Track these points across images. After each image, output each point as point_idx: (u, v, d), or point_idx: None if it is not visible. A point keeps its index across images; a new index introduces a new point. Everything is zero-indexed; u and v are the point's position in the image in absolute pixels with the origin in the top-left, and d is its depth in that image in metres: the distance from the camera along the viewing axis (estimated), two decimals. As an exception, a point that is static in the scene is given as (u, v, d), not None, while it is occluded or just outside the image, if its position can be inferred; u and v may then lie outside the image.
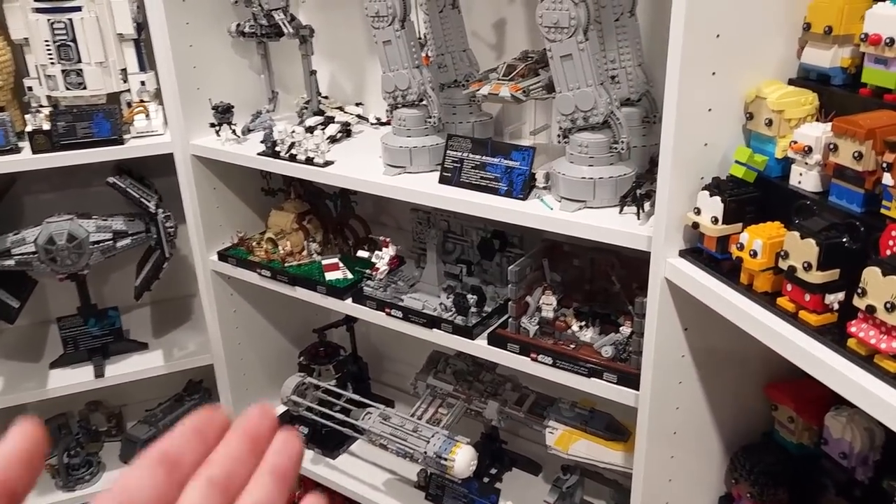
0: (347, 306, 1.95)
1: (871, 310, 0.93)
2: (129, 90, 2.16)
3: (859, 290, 0.95)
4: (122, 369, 2.33)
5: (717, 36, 1.18)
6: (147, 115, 2.12)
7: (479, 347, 1.69)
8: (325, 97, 2.23)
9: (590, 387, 1.53)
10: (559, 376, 1.56)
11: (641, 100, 1.61)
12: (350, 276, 2.00)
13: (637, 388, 1.44)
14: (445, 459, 1.79)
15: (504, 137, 1.86)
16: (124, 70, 2.14)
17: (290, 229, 2.14)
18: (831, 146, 1.08)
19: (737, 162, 1.25)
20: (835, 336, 1.01)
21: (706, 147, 1.26)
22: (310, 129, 1.97)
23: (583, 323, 1.61)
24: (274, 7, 1.98)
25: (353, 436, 2.11)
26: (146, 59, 2.16)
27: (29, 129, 2.01)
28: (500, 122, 1.93)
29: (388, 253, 1.87)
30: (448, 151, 1.65)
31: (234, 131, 2.04)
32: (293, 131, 1.92)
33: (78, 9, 2.00)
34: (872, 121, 1.03)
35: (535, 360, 1.59)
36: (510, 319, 1.65)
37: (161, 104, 2.13)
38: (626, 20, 1.54)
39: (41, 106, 2.09)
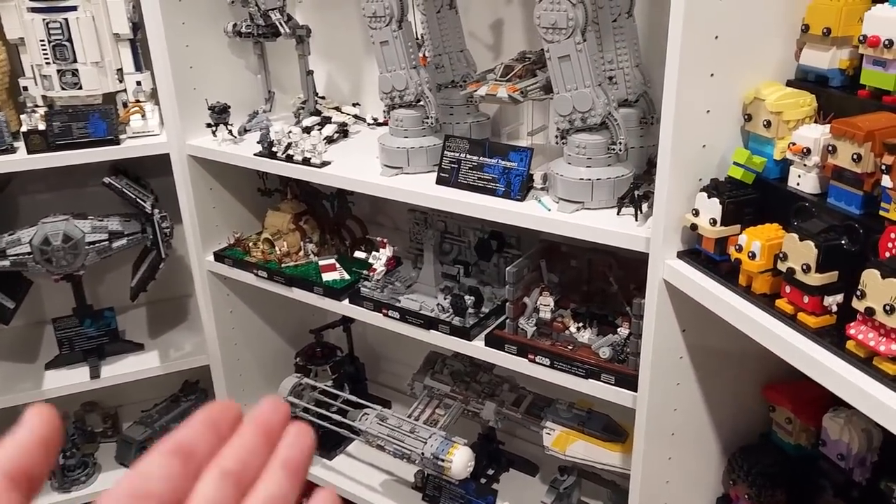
0: (344, 307, 1.94)
1: (870, 312, 0.93)
2: (125, 90, 2.16)
3: (858, 293, 0.95)
4: (118, 370, 2.32)
5: (716, 37, 1.18)
6: (143, 116, 2.11)
7: (477, 349, 1.69)
8: (322, 97, 2.23)
9: (588, 388, 1.53)
10: (557, 377, 1.56)
11: (639, 101, 1.61)
12: (347, 276, 2.00)
13: (635, 390, 1.44)
14: (443, 460, 1.78)
15: (501, 138, 1.86)
16: (120, 70, 2.13)
17: (287, 230, 2.14)
18: (830, 148, 1.07)
19: (735, 163, 1.24)
20: (833, 338, 1.01)
21: (704, 148, 1.26)
22: (307, 130, 1.97)
23: (580, 324, 1.61)
24: (270, 7, 1.97)
25: (350, 437, 2.11)
26: (142, 59, 2.15)
27: (24, 129, 2.01)
28: (498, 122, 1.93)
29: (385, 254, 1.87)
30: (445, 152, 1.65)
31: (230, 131, 2.04)
32: (290, 132, 1.92)
33: (73, 8, 1.99)
34: (871, 123, 1.03)
35: (532, 361, 1.58)
36: (508, 320, 1.65)
37: (157, 104, 2.12)
38: (623, 21, 1.53)
39: (37, 106, 2.08)
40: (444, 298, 1.77)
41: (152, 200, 2.18)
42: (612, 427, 1.69)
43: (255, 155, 1.96)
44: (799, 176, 1.17)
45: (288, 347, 2.51)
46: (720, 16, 1.17)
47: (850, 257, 1.02)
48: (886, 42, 1.07)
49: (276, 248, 2.09)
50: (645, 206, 1.38)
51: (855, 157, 1.03)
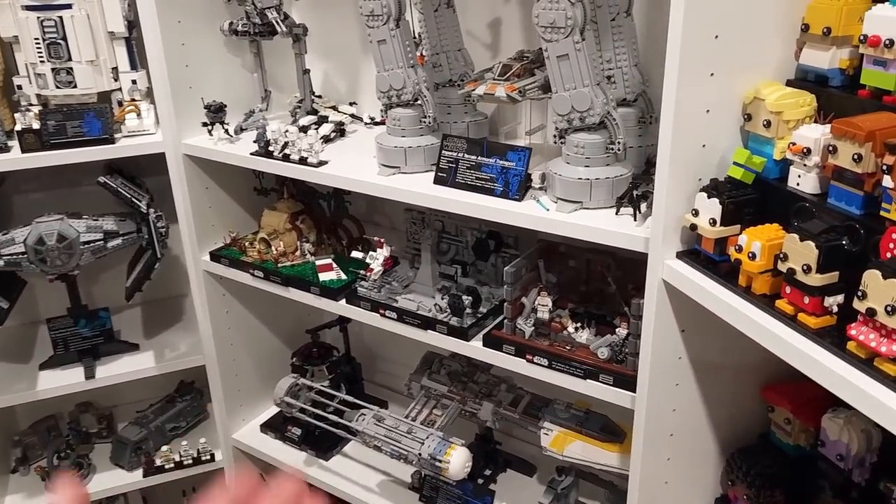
0: (341, 307, 1.93)
1: (871, 313, 0.92)
2: (120, 89, 2.15)
3: (859, 293, 0.94)
4: (113, 370, 2.32)
5: (716, 37, 1.17)
6: (138, 114, 2.10)
7: (475, 349, 1.68)
8: (319, 96, 2.22)
9: (586, 388, 1.52)
10: (555, 378, 1.56)
11: (638, 100, 1.60)
12: (344, 276, 1.99)
13: (633, 390, 1.43)
14: (440, 461, 1.78)
15: (499, 138, 1.85)
16: (115, 68, 2.12)
17: (284, 229, 2.13)
18: (830, 148, 1.07)
19: (735, 163, 1.24)
20: (834, 339, 1.00)
21: (704, 148, 1.26)
22: (303, 129, 1.96)
23: (578, 324, 1.60)
24: (267, 5, 1.96)
25: (347, 437, 2.10)
26: (137, 58, 2.14)
27: (18, 127, 2.00)
28: (496, 122, 1.92)
29: (382, 253, 1.86)
30: (443, 152, 1.64)
31: (226, 130, 2.03)
32: (286, 131, 1.91)
33: (68, 6, 1.98)
34: (872, 123, 1.03)
35: (530, 361, 1.58)
36: (506, 320, 1.64)
37: (153, 103, 2.11)
38: (622, 20, 1.53)
39: (31, 104, 2.07)
40: (442, 298, 1.77)
41: (147, 200, 2.17)
42: (610, 427, 1.69)
43: (251, 154, 1.95)
44: (799, 176, 1.17)
45: (284, 347, 2.50)
46: (720, 15, 1.17)
47: (851, 258, 1.01)
48: (887, 42, 1.07)
49: (273, 248, 2.08)
50: (644, 206, 1.37)
51: (855, 157, 1.02)
